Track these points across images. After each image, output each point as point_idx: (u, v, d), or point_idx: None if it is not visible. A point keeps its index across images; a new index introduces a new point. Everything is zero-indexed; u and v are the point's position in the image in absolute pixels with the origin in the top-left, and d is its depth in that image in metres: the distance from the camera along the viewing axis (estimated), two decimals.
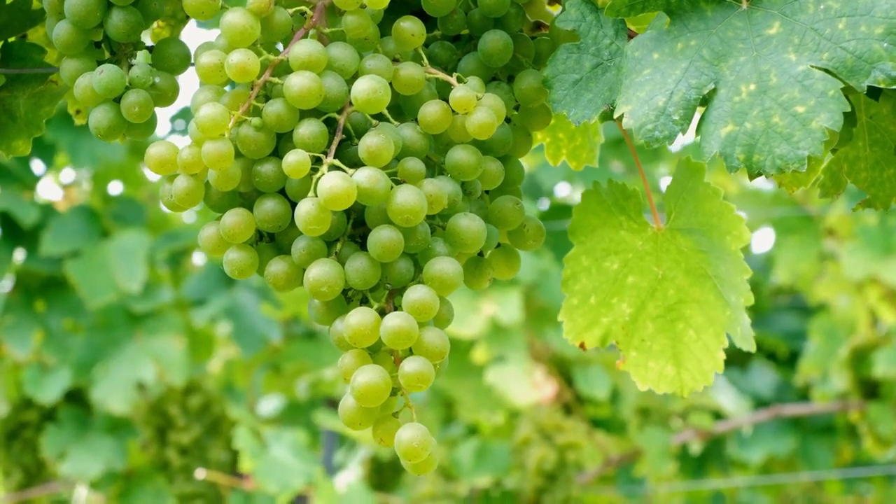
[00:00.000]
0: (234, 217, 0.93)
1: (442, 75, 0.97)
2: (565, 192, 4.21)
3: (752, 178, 0.90)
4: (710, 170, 0.99)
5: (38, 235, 3.48)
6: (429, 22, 1.00)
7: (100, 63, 0.99)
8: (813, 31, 0.89)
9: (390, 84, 0.94)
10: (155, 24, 1.10)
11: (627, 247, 1.08)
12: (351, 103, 0.93)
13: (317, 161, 0.91)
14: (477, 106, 0.94)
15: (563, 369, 3.72)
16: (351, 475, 4.14)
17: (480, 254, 1.02)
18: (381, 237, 0.90)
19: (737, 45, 0.91)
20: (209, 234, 0.94)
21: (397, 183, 0.91)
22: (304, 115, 0.92)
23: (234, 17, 0.92)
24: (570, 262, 1.10)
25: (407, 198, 0.90)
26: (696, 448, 4.19)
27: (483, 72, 1.01)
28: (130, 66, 0.98)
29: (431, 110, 0.95)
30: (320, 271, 0.90)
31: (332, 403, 4.22)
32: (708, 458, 4.20)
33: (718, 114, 0.90)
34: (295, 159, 0.89)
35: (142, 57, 1.01)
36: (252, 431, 3.47)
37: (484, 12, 1.00)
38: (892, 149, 1.04)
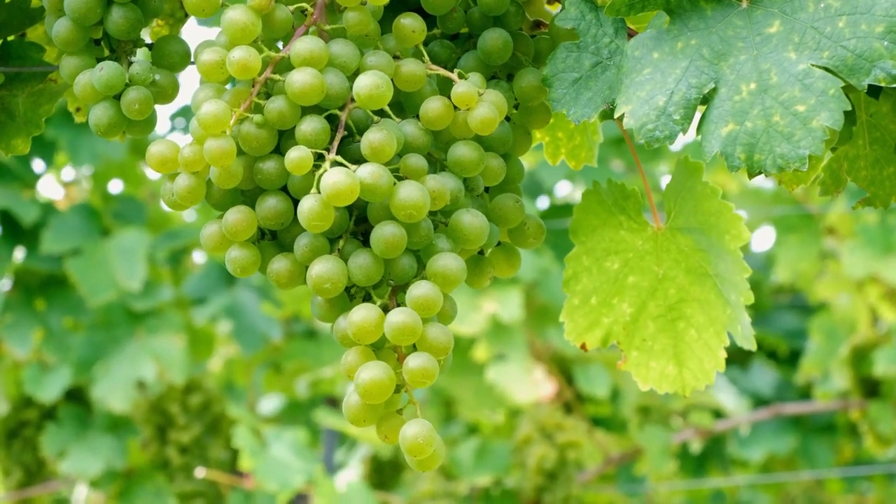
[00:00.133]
0: (236, 215, 0.93)
1: (443, 72, 0.97)
2: (566, 190, 4.21)
3: (752, 176, 0.90)
4: (710, 168, 0.99)
5: (38, 234, 3.48)
6: (428, 20, 1.00)
7: (99, 60, 0.99)
8: (813, 29, 0.89)
9: (391, 81, 0.94)
10: (154, 23, 1.10)
11: (628, 246, 1.08)
12: (353, 100, 0.93)
13: (319, 158, 0.91)
14: (478, 102, 0.94)
15: (563, 368, 3.72)
16: (351, 474, 4.14)
17: (481, 252, 1.02)
18: (384, 233, 0.90)
19: (737, 44, 0.91)
20: (211, 232, 0.94)
21: (399, 179, 0.91)
22: (306, 111, 0.92)
23: (236, 14, 0.92)
24: (572, 262, 1.10)
25: (410, 193, 0.90)
26: (696, 447, 4.19)
27: (482, 70, 1.01)
28: (130, 63, 0.99)
29: (433, 106, 0.95)
30: (323, 268, 0.90)
31: (333, 402, 4.22)
32: (708, 456, 4.20)
33: (719, 113, 0.90)
34: (297, 156, 0.89)
35: (142, 54, 1.01)
36: (252, 430, 3.47)
37: (483, 10, 1.00)
38: (891, 147, 1.04)
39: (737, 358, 4.27)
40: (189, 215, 4.09)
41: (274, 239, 0.97)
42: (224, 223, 0.93)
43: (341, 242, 0.93)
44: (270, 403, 4.71)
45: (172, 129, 3.79)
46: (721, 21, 0.92)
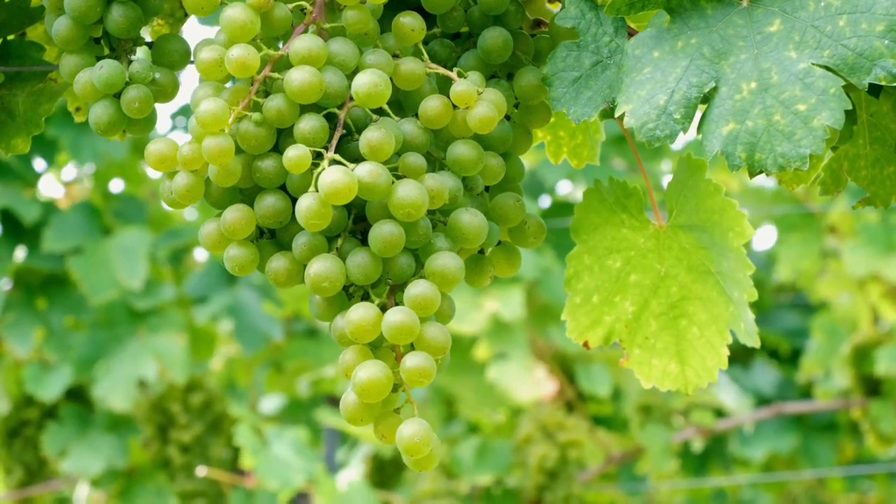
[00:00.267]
0: (235, 213, 0.93)
1: (442, 70, 0.97)
2: (567, 189, 4.21)
3: (752, 176, 0.90)
4: (711, 167, 0.99)
5: (39, 233, 3.48)
6: (428, 19, 1.00)
7: (99, 59, 0.99)
8: (814, 28, 0.89)
9: (390, 79, 0.94)
10: (154, 21, 1.10)
11: (629, 244, 1.08)
12: (351, 98, 0.93)
13: (317, 156, 0.91)
14: (478, 100, 0.94)
15: (564, 366, 3.72)
16: (352, 473, 4.14)
17: (481, 251, 1.02)
18: (383, 232, 0.90)
19: (737, 43, 0.91)
20: (210, 230, 0.94)
21: (398, 178, 0.91)
22: (305, 110, 0.92)
23: (234, 13, 0.92)
24: (573, 261, 1.10)
25: (408, 192, 0.90)
26: (697, 446, 4.19)
27: (482, 69, 1.01)
28: (130, 61, 0.98)
29: (432, 105, 0.95)
30: (321, 267, 0.90)
31: (334, 401, 4.22)
32: (710, 455, 4.20)
33: (720, 112, 0.90)
34: (295, 154, 0.89)
35: (142, 53, 1.01)
36: (253, 429, 3.47)
37: (483, 9, 1.00)
38: (892, 146, 1.04)
39: (738, 357, 4.27)
40: (190, 214, 4.09)
41: (272, 237, 0.97)
42: (223, 221, 0.93)
43: (340, 241, 0.93)
44: (271, 402, 4.71)
45: (173, 127, 3.79)
46: (721, 20, 0.92)
